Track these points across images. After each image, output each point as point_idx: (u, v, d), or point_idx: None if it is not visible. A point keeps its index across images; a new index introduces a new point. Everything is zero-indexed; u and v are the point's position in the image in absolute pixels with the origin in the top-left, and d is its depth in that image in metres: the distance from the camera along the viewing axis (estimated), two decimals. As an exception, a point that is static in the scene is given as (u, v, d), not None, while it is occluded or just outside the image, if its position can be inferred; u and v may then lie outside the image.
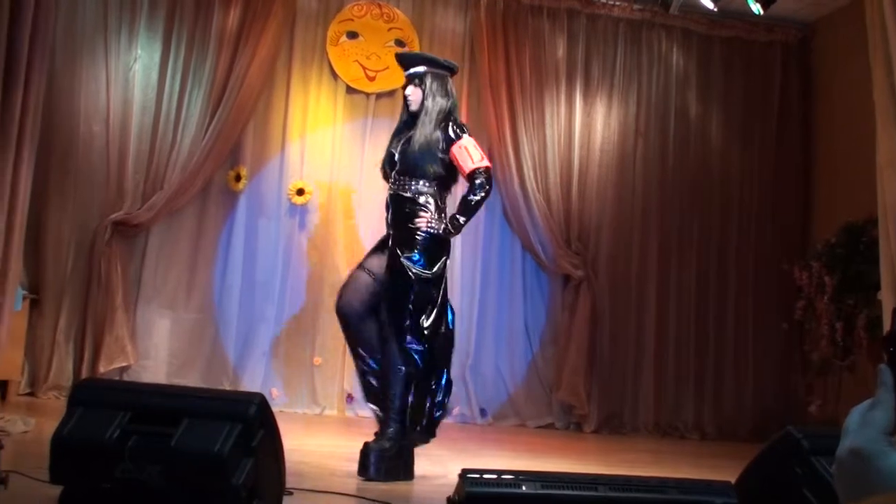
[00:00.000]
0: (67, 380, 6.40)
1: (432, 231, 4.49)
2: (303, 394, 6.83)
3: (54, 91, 6.36)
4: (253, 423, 2.86)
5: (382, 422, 4.46)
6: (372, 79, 7.15)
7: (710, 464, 5.56)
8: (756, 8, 6.88)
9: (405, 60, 4.87)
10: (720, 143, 7.83)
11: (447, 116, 4.63)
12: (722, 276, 7.69)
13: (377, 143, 6.41)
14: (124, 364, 6.49)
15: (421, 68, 4.71)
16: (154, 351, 6.68)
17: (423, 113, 4.63)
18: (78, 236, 6.58)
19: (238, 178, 6.89)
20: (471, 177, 4.57)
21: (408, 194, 4.54)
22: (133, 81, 6.73)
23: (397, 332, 4.43)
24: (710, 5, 7.02)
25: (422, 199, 4.52)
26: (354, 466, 4.33)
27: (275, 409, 3.26)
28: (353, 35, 7.16)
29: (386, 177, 4.71)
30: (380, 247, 4.70)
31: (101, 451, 2.80)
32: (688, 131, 7.77)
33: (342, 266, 6.63)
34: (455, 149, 4.57)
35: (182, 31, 6.80)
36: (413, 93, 4.68)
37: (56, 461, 2.86)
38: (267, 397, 3.10)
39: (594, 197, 7.44)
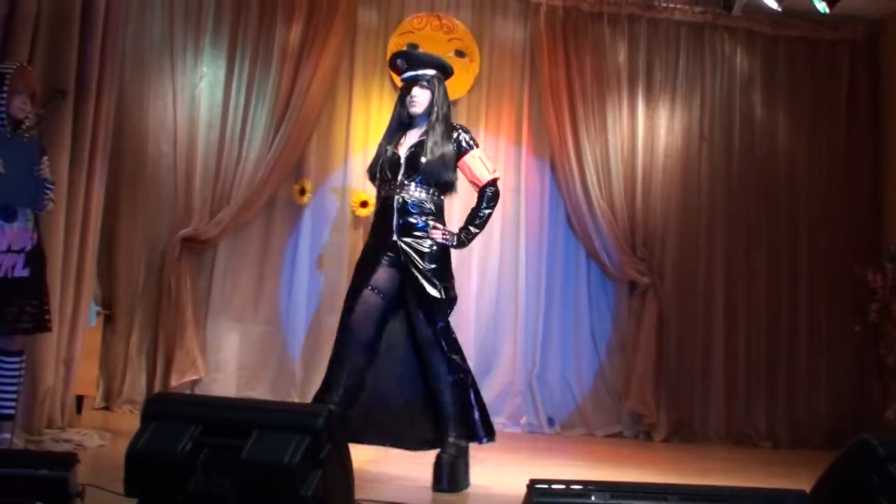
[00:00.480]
0: (140, 394, 6.52)
1: (447, 242, 4.49)
2: (370, 405, 6.84)
3: (123, 107, 6.47)
4: (321, 435, 2.89)
5: (443, 434, 4.44)
6: (433, 90, 7.15)
7: (783, 472, 5.48)
8: (822, 6, 6.76)
9: (414, 61, 4.70)
10: (787, 145, 7.68)
11: (453, 125, 4.62)
12: (792, 279, 7.52)
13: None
14: (195, 377, 6.58)
15: (431, 71, 4.63)
16: (224, 364, 6.77)
17: (431, 118, 4.56)
18: (148, 253, 6.71)
19: (303, 191, 6.95)
20: (483, 189, 4.56)
21: (417, 201, 4.49)
22: (199, 100, 6.83)
23: (437, 344, 4.43)
24: (774, 5, 6.91)
25: (429, 207, 4.50)
26: (422, 476, 4.35)
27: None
28: (413, 47, 7.16)
29: (382, 179, 4.59)
30: (373, 257, 4.56)
31: (173, 464, 2.85)
32: (753, 134, 7.64)
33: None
34: (468, 159, 4.55)
35: (245, 48, 6.89)
36: (420, 94, 4.58)
37: (130, 475, 2.91)
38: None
39: (658, 203, 7.35)
